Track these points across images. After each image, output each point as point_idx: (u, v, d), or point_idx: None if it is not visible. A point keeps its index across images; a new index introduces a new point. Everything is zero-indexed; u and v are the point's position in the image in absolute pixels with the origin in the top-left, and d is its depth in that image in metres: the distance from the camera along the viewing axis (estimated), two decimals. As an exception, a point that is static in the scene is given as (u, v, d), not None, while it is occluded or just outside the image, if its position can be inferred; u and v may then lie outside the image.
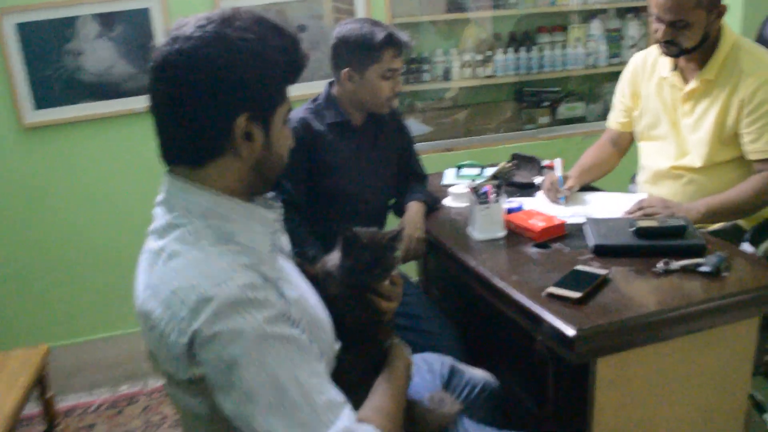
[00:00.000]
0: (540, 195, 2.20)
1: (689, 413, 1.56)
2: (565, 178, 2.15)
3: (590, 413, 1.47)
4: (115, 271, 2.88)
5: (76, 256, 2.93)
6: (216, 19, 1.03)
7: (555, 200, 2.11)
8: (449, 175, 2.58)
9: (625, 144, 2.36)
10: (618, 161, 2.37)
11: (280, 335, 0.98)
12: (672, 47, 1.96)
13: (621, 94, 2.31)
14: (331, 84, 2.12)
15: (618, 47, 3.50)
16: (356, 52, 1.99)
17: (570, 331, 1.36)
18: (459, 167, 2.58)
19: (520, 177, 2.39)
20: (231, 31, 1.01)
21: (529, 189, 2.31)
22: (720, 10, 1.93)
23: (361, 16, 2.90)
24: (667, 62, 2.09)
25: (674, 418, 1.55)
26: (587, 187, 2.29)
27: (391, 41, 1.99)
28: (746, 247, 2.01)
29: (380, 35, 1.97)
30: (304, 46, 1.10)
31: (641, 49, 3.39)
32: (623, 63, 3.43)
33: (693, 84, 2.02)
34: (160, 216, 1.09)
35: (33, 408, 2.50)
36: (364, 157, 2.12)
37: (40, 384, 2.36)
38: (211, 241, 1.04)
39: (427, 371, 1.57)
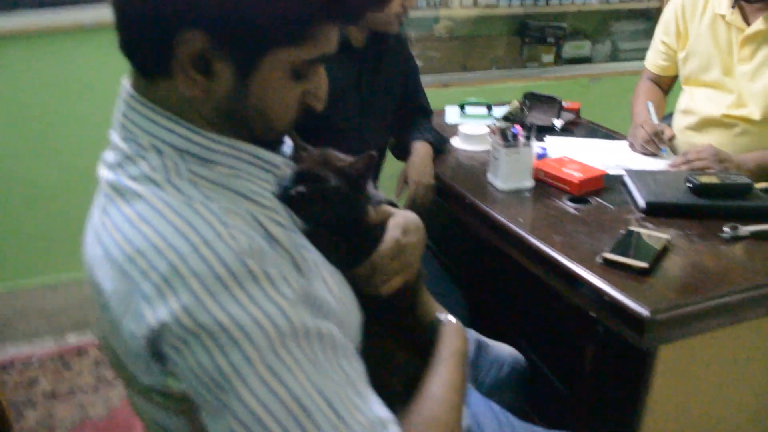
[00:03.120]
0: (619, 146, 1.91)
1: (753, 402, 1.33)
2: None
3: (643, 403, 1.22)
4: (59, 207, 2.50)
5: (11, 189, 2.53)
6: None
7: (656, 152, 1.82)
8: (452, 114, 2.27)
9: (667, 86, 2.09)
10: (666, 104, 2.10)
11: (302, 329, 0.67)
12: None
13: (664, 32, 2.01)
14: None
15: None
16: None
17: (643, 312, 1.09)
18: (463, 105, 2.27)
19: (536, 119, 2.10)
20: None
21: (548, 132, 2.02)
22: None
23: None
24: None
25: (735, 406, 1.32)
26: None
27: None
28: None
29: None
30: None
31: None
32: (633, 0, 3.18)
33: (758, 25, 1.73)
34: (114, 142, 0.76)
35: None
36: (364, 85, 1.78)
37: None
38: (188, 179, 0.72)
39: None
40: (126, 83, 0.76)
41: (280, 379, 0.64)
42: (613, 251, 1.24)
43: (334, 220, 0.87)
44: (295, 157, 0.88)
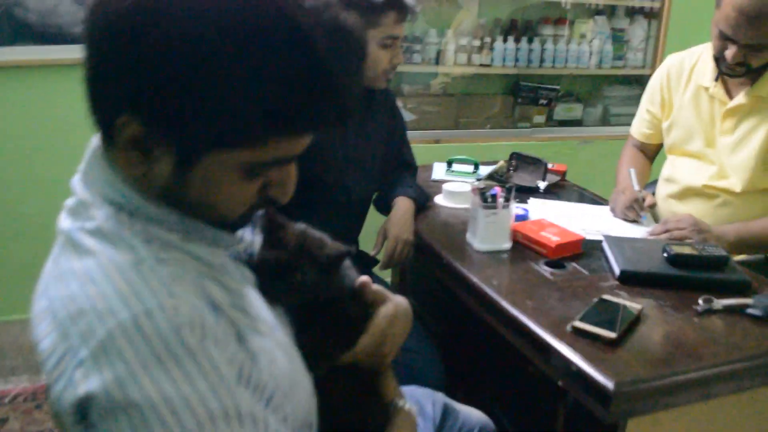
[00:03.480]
0: (602, 211, 1.91)
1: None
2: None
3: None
4: (42, 244, 2.46)
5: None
6: None
7: (636, 218, 1.81)
8: (439, 170, 2.28)
9: (653, 153, 2.10)
10: (650, 172, 2.11)
11: (234, 413, 0.65)
12: (739, 68, 1.68)
13: (649, 102, 2.03)
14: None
15: (622, 49, 3.23)
16: (352, 14, 1.66)
17: (608, 384, 1.07)
18: (450, 162, 2.28)
19: (521, 179, 2.11)
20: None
21: (532, 193, 2.02)
22: None
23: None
24: (708, 70, 1.81)
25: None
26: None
27: (395, 3, 1.66)
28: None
29: None
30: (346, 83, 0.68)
31: (645, 53, 3.21)
32: (627, 66, 3.23)
33: (740, 99, 1.75)
34: (75, 188, 0.75)
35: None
36: (349, 138, 1.79)
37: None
38: (142, 237, 0.70)
39: (417, 413, 1.25)
40: (95, 138, 0.75)
41: None
42: (583, 319, 1.23)
43: (306, 309, 0.88)
44: (271, 236, 0.87)
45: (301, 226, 0.90)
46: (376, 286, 0.98)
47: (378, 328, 0.92)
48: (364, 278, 0.96)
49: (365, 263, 1.84)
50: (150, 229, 0.71)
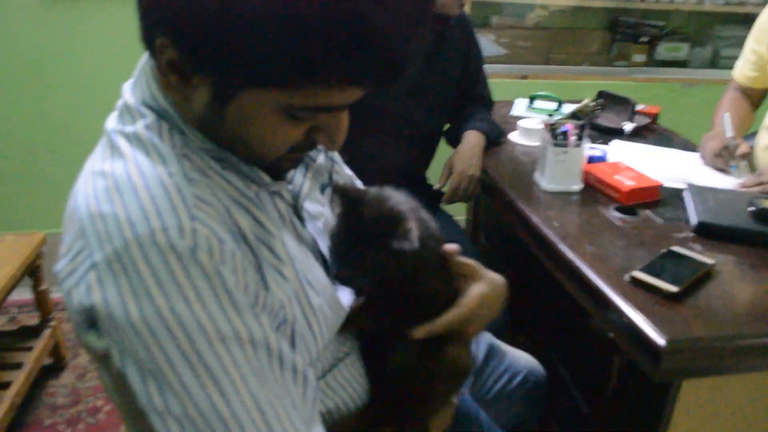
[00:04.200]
0: (690, 158, 1.75)
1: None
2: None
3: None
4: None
5: (82, 137, 2.60)
6: None
7: (725, 167, 1.65)
8: (520, 106, 2.16)
9: (756, 100, 1.89)
10: (753, 119, 1.91)
11: (247, 337, 0.63)
12: None
13: (756, 40, 1.82)
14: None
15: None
16: None
17: (659, 340, 0.97)
18: (532, 98, 2.15)
19: (606, 120, 1.97)
20: None
21: (616, 135, 1.88)
22: None
23: None
24: None
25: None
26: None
27: None
28: None
29: None
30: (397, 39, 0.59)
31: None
32: (742, 4, 2.92)
33: None
34: (125, 92, 0.74)
35: (29, 294, 2.25)
36: (420, 64, 1.70)
37: (33, 275, 2.10)
38: (177, 152, 0.68)
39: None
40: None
41: (216, 383, 0.60)
42: (644, 270, 1.12)
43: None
44: (348, 209, 0.81)
45: (376, 193, 0.83)
46: (466, 259, 0.92)
47: (467, 308, 0.88)
48: (451, 247, 0.90)
49: (430, 198, 1.78)
50: (187, 147, 0.69)
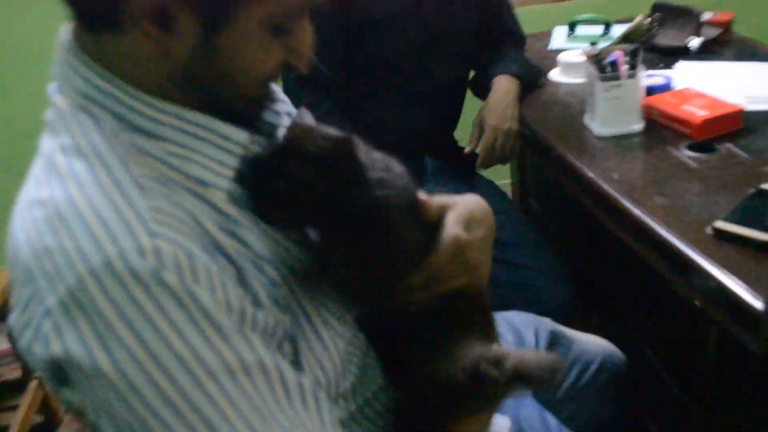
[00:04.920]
0: (763, 68, 1.71)
1: None
2: None
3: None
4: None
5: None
6: None
7: None
8: (559, 36, 2.15)
9: None
10: None
11: (238, 365, 0.65)
12: None
13: None
14: None
15: None
16: None
17: (757, 304, 0.98)
18: (572, 24, 2.14)
19: (667, 38, 1.95)
20: None
21: (680, 55, 1.86)
22: None
23: None
24: None
25: None
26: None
27: None
28: None
29: None
30: None
31: None
32: None
33: None
34: (51, 97, 0.76)
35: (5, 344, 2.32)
36: (427, 9, 1.71)
37: (5, 320, 2.17)
38: (126, 156, 0.69)
39: (513, 344, 1.23)
40: (64, 32, 0.75)
41: (210, 426, 0.62)
42: (729, 219, 1.12)
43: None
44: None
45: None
46: (439, 199, 0.93)
47: (450, 234, 0.87)
48: (421, 196, 0.91)
49: (463, 163, 1.79)
50: (138, 142, 0.71)
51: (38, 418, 2.26)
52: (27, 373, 2.23)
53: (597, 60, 1.45)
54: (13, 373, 2.30)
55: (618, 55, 1.44)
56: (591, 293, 1.82)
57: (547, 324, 1.30)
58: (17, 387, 2.20)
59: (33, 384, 2.20)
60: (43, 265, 0.64)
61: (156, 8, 0.66)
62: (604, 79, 1.44)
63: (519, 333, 1.25)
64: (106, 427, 0.63)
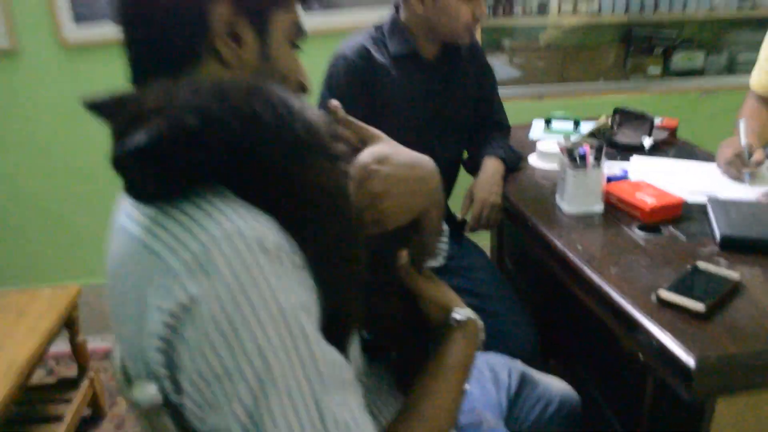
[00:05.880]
0: (712, 169, 1.76)
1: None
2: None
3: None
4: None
5: (108, 187, 2.69)
6: None
7: (738, 176, 1.65)
8: (537, 128, 2.19)
9: None
10: None
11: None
12: None
13: None
14: (397, 8, 1.74)
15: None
16: None
17: (689, 360, 0.99)
18: (548, 120, 2.18)
19: (624, 137, 1.99)
20: None
21: (635, 151, 1.90)
22: None
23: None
24: None
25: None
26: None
27: None
28: None
29: None
30: None
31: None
32: (754, 9, 2.93)
33: None
34: None
35: (66, 346, 2.31)
36: (434, 98, 1.75)
37: (69, 327, 2.17)
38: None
39: (490, 380, 1.23)
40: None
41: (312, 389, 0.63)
42: (670, 289, 1.14)
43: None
44: None
45: None
46: (365, 130, 0.86)
47: (360, 161, 0.80)
48: (333, 103, 0.86)
49: (454, 227, 1.81)
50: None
51: (87, 411, 2.25)
52: (81, 373, 2.24)
53: (569, 151, 1.48)
54: (70, 372, 2.30)
55: (586, 149, 1.47)
56: (552, 341, 1.83)
57: (519, 366, 1.30)
58: (72, 384, 2.19)
59: (85, 382, 2.20)
60: (163, 240, 0.65)
61: (229, 26, 0.73)
62: (574, 168, 1.47)
63: (495, 372, 1.25)
64: (197, 385, 0.63)
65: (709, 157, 1.88)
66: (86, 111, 0.70)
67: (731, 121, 2.57)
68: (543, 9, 2.84)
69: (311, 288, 0.68)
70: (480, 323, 0.93)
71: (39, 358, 1.91)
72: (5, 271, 2.74)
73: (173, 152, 0.63)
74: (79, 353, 2.23)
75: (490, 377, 1.23)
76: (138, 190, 0.67)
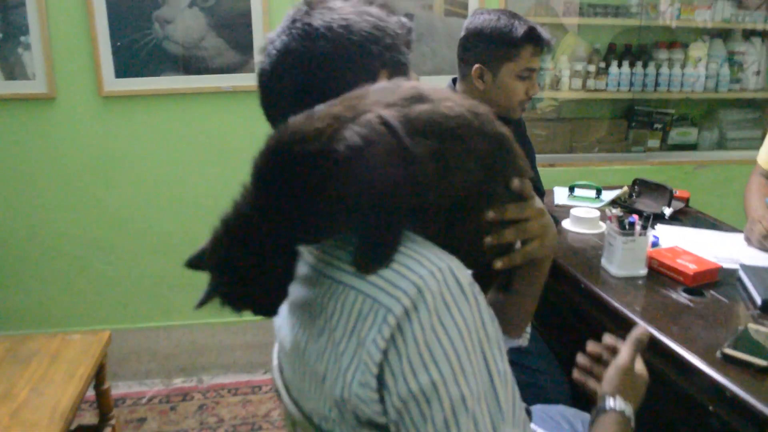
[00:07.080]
0: (731, 238, 1.93)
1: None
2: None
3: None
4: (177, 258, 2.71)
5: (141, 237, 2.76)
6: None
7: None
8: (561, 195, 2.35)
9: None
10: None
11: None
12: None
13: None
14: (454, 81, 1.90)
15: (739, 71, 3.22)
16: (491, 46, 1.78)
17: (765, 409, 1.12)
18: (572, 187, 2.35)
19: (644, 206, 2.16)
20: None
21: (657, 220, 2.07)
22: None
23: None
24: None
25: None
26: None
27: (533, 37, 1.77)
28: None
29: (521, 30, 1.76)
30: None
31: (763, 75, 3.19)
32: (744, 90, 3.21)
33: None
34: None
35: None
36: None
37: (98, 372, 2.19)
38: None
39: (569, 430, 1.34)
40: None
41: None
42: (731, 347, 1.28)
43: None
44: None
45: None
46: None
47: (537, 204, 0.98)
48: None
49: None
50: None
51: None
52: (103, 420, 2.25)
53: (620, 220, 1.63)
54: (91, 419, 2.31)
55: (635, 218, 1.63)
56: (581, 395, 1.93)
57: (585, 416, 1.41)
58: (93, 431, 2.21)
59: (107, 430, 2.21)
60: (376, 283, 0.75)
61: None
62: (623, 234, 1.62)
63: (572, 424, 1.36)
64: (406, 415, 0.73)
65: (716, 224, 2.08)
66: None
67: (722, 192, 2.82)
68: (555, 85, 3.06)
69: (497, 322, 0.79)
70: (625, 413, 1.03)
71: (78, 404, 1.93)
72: (28, 315, 2.75)
73: None
74: (103, 400, 2.25)
75: (568, 429, 1.34)
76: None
